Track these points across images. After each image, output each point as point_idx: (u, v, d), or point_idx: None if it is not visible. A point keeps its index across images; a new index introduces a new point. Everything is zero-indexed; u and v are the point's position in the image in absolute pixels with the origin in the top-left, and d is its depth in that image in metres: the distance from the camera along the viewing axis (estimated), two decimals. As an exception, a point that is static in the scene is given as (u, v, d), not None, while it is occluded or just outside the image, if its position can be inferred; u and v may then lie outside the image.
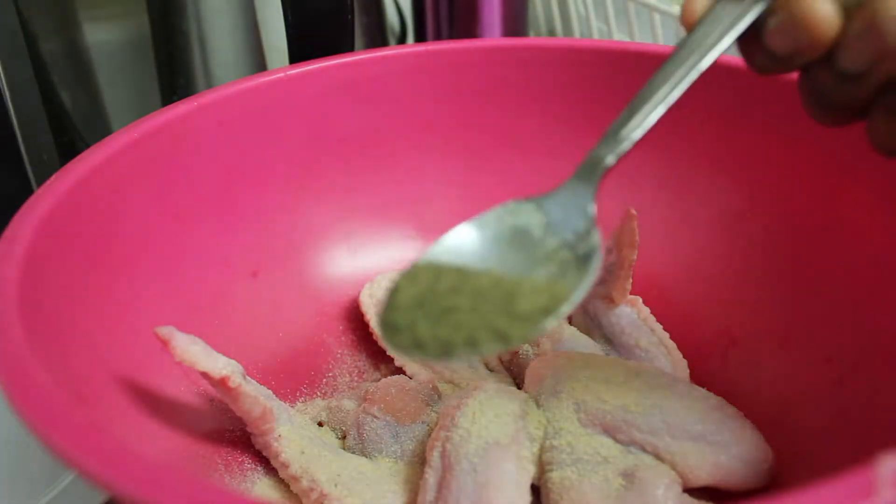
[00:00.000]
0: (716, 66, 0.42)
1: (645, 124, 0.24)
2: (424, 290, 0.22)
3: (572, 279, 0.22)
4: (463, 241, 0.23)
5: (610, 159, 0.24)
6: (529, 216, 0.24)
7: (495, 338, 0.21)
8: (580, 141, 0.46)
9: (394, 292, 0.23)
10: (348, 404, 0.39)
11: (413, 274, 0.23)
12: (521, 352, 0.39)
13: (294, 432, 0.34)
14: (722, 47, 0.24)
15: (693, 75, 0.24)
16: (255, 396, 0.33)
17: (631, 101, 0.25)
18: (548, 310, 0.21)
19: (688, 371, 0.38)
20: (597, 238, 0.23)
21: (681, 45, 0.25)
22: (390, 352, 0.24)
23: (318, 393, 0.41)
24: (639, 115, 0.24)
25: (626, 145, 0.24)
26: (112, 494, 0.20)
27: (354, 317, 0.44)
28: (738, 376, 0.38)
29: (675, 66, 0.25)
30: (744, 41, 0.25)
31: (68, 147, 0.52)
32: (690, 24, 0.25)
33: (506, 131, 0.47)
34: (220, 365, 0.31)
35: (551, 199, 0.24)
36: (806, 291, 0.38)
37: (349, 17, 0.46)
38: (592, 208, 0.24)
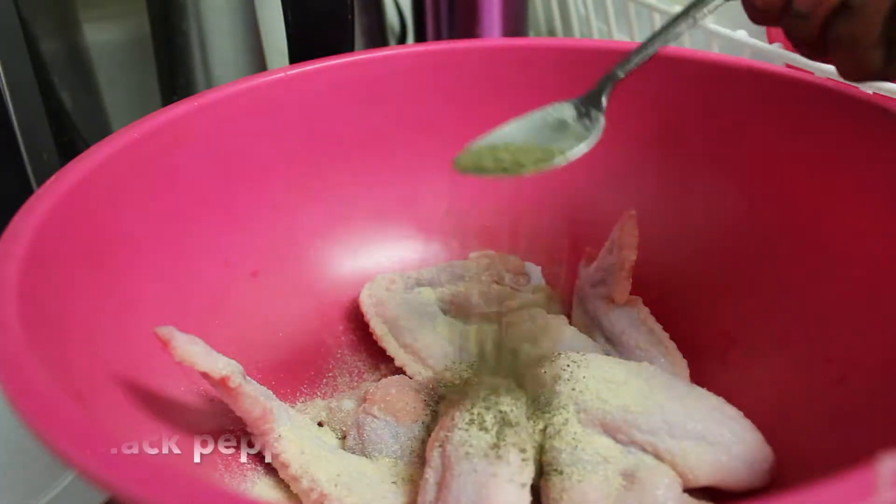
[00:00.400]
0: (716, 67, 0.42)
1: (647, 54, 0.34)
2: (487, 145, 0.33)
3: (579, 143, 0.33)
4: (517, 126, 0.34)
5: (619, 73, 0.34)
6: (566, 110, 0.35)
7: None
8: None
9: (469, 145, 0.33)
10: (348, 404, 0.39)
11: (482, 141, 0.34)
12: (521, 352, 0.39)
13: (294, 432, 0.34)
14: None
15: (681, 26, 0.34)
16: (255, 396, 0.33)
17: (641, 43, 0.34)
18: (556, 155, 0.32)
19: (688, 371, 0.38)
20: (601, 121, 0.34)
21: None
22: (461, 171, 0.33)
23: (318, 393, 0.41)
24: (644, 50, 0.34)
25: (631, 66, 0.34)
26: (112, 494, 0.20)
27: (354, 317, 0.44)
28: (738, 376, 0.38)
29: (677, 18, 0.34)
30: None
31: (68, 147, 0.52)
32: None
33: (506, 131, 0.46)
34: (220, 365, 0.31)
35: (580, 99, 0.35)
36: (806, 291, 0.38)
37: (349, 17, 0.46)
38: (604, 102, 0.34)
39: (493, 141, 0.34)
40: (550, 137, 0.33)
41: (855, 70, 0.31)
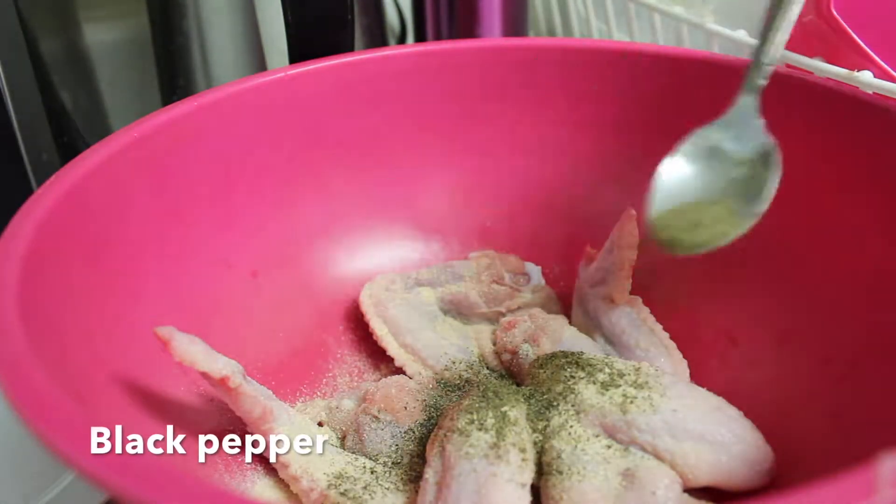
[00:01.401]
0: (716, 67, 0.42)
1: (777, 46, 0.31)
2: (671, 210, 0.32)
3: (760, 178, 0.31)
4: (676, 176, 0.32)
5: (762, 81, 0.32)
6: (717, 134, 0.32)
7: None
8: (580, 140, 0.46)
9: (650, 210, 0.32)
10: (348, 404, 0.39)
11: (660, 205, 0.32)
12: (520, 352, 0.39)
13: (294, 432, 0.34)
14: None
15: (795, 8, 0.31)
16: (255, 396, 0.33)
17: (759, 37, 0.31)
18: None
19: (688, 371, 0.38)
20: (771, 140, 0.31)
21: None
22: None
23: (318, 393, 0.41)
24: (768, 44, 0.31)
25: (768, 69, 0.32)
26: (112, 494, 0.20)
27: (354, 317, 0.44)
28: (738, 376, 0.38)
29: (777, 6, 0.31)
30: None
31: (68, 147, 0.52)
32: None
33: (506, 131, 0.47)
34: (219, 365, 0.31)
35: (728, 120, 0.32)
36: (805, 291, 0.38)
37: (349, 17, 0.46)
38: (761, 119, 0.31)
39: (673, 203, 0.31)
40: (720, 173, 0.31)
41: None
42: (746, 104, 0.32)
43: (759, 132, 0.31)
